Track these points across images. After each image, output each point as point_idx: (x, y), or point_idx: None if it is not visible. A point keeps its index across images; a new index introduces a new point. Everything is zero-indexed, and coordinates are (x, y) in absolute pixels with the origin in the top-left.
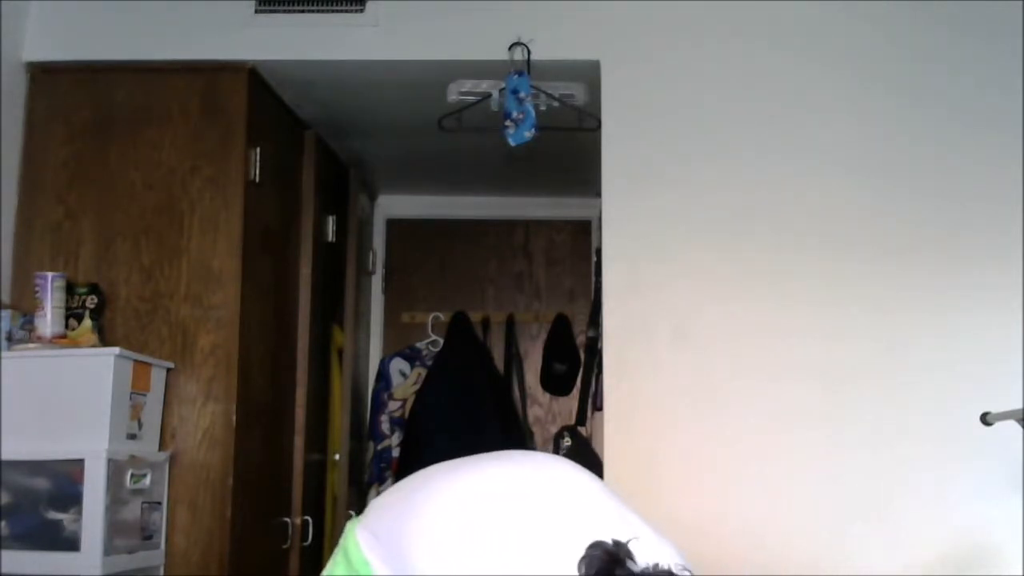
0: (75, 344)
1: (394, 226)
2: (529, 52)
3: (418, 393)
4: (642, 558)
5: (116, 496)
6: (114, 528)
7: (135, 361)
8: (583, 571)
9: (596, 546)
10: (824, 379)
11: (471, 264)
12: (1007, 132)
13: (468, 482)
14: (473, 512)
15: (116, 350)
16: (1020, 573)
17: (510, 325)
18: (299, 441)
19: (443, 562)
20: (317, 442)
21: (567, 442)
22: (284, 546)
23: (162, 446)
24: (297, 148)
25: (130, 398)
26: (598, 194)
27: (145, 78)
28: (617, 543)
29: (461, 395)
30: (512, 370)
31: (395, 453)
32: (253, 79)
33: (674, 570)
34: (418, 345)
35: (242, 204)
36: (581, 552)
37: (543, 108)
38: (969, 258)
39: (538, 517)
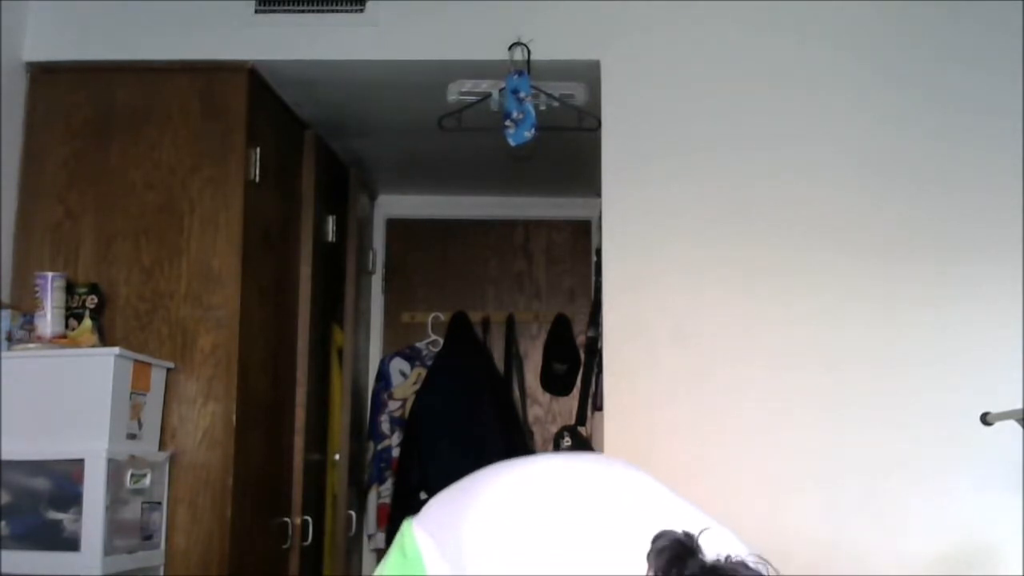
0: (75, 344)
1: (394, 226)
2: (529, 52)
3: (418, 393)
4: (713, 550)
5: (116, 496)
6: (114, 528)
7: (135, 361)
8: (653, 562)
9: (664, 536)
10: (824, 379)
11: (471, 264)
12: (1007, 127)
13: (526, 477)
14: (533, 507)
15: (116, 350)
16: (1020, 573)
17: (510, 325)
18: (299, 441)
19: (504, 559)
20: (317, 442)
21: (567, 442)
22: (284, 546)
23: (162, 446)
24: (297, 148)
25: (130, 398)
26: (598, 194)
27: (145, 78)
28: (687, 533)
29: (461, 395)
30: (512, 370)
31: (395, 453)
32: (253, 79)
33: (748, 561)
34: (418, 345)
35: (242, 204)
36: (647, 546)
37: (543, 108)
38: (968, 256)
39: (601, 511)
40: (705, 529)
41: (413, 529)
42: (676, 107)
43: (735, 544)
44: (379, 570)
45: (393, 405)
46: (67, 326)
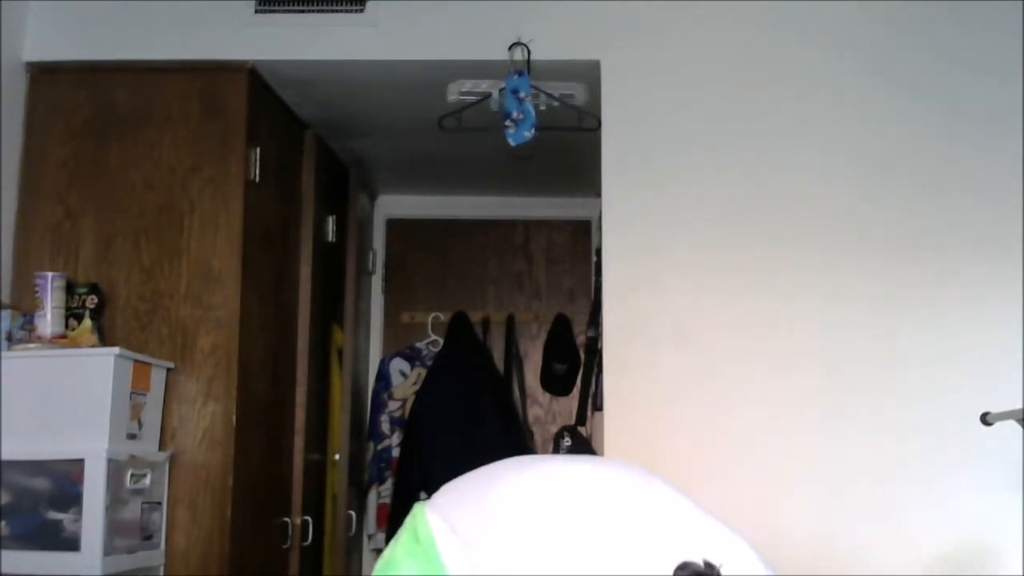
0: (75, 344)
1: (394, 226)
2: (529, 52)
3: (418, 393)
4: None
5: (116, 496)
6: (114, 528)
7: (135, 361)
8: None
9: (686, 568)
10: (825, 379)
11: (471, 264)
12: (1007, 127)
13: (551, 479)
14: (557, 512)
15: (116, 350)
16: (1020, 573)
17: (510, 325)
18: (299, 441)
19: (523, 561)
20: (317, 442)
21: (567, 442)
22: (284, 546)
23: (162, 446)
24: (297, 148)
25: (130, 398)
26: (598, 194)
27: (145, 78)
28: (709, 564)
29: (461, 395)
30: (512, 370)
31: (395, 453)
32: (253, 79)
33: None
34: (418, 345)
35: (242, 204)
36: (669, 565)
37: (543, 108)
38: (968, 256)
39: (628, 525)
40: (721, 565)
41: (427, 514)
42: (676, 107)
43: (757, 567)
44: (388, 552)
45: (393, 405)
46: (67, 326)
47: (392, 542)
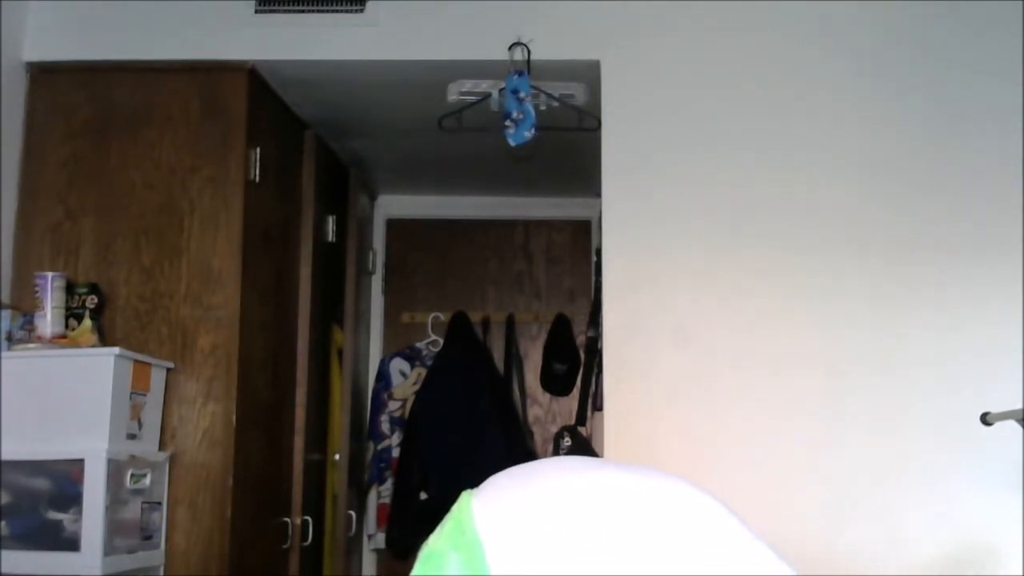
0: (75, 344)
1: (394, 226)
2: (529, 52)
3: (418, 393)
4: None
5: (116, 496)
6: (114, 528)
7: (135, 361)
8: None
9: None
10: (824, 379)
11: (471, 264)
12: (1007, 127)
13: (612, 485)
14: (612, 518)
15: (116, 350)
16: (1020, 573)
17: (510, 325)
18: (299, 441)
19: (572, 564)
20: (317, 442)
21: (567, 442)
22: (284, 546)
23: (162, 446)
24: (297, 148)
25: (130, 398)
26: (598, 194)
27: (145, 78)
28: None
29: (461, 395)
30: (512, 370)
31: (395, 453)
32: (253, 79)
33: None
34: (418, 345)
35: (242, 204)
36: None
37: (543, 108)
38: (968, 256)
39: (677, 540)
40: None
41: (473, 506)
42: (676, 107)
43: None
44: (432, 542)
45: (393, 405)
46: (67, 326)
47: (435, 533)
